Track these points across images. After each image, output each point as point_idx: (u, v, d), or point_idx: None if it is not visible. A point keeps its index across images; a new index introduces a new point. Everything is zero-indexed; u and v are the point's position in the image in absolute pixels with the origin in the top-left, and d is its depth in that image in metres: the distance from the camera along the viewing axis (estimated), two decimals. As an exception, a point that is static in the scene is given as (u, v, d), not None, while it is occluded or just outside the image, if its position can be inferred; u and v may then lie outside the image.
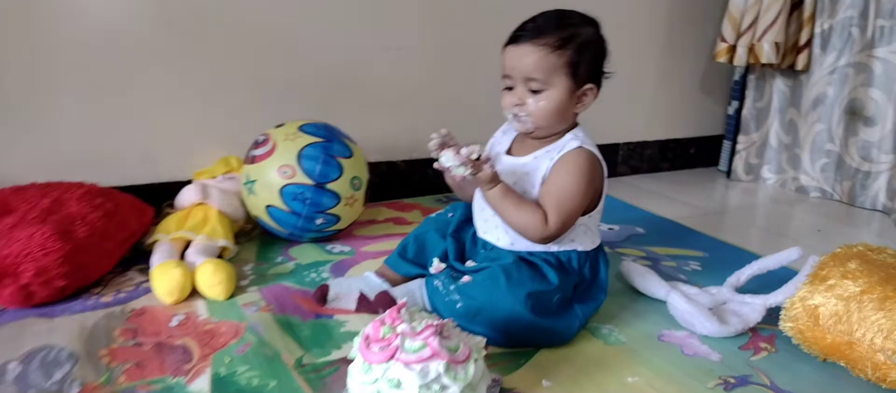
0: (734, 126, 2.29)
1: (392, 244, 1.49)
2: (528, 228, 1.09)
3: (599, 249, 1.22)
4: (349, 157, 1.47)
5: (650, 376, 1.04)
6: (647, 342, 1.15)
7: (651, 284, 1.30)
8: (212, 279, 1.20)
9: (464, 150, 1.05)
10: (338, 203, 1.44)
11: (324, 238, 1.51)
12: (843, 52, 2.00)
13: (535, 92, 1.08)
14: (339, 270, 1.37)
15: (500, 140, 1.24)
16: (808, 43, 2.03)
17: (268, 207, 1.43)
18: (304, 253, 1.45)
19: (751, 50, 2.04)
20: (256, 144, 1.47)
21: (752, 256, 1.56)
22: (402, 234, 1.59)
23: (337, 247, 1.50)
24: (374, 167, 1.85)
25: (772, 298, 1.21)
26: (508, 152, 1.19)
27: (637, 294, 1.32)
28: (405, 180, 1.92)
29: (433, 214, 1.34)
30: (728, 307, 1.23)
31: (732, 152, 2.28)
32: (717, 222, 1.88)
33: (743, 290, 1.30)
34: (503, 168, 1.17)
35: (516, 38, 1.09)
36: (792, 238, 1.77)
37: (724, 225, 1.87)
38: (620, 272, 1.35)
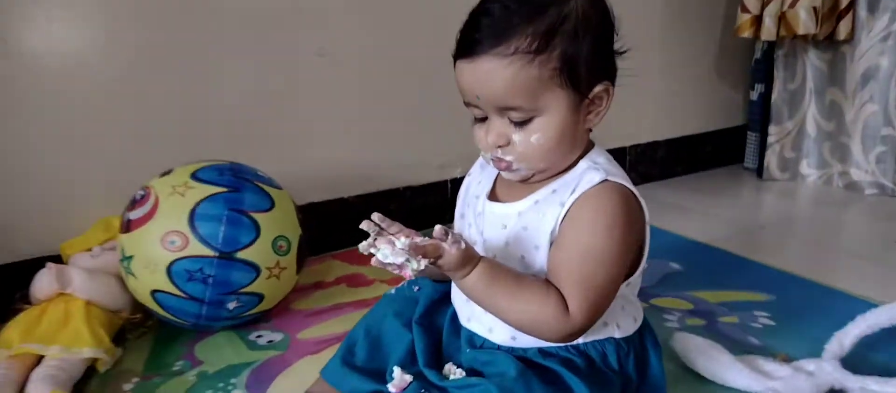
0: (761, 114, 1.89)
1: (344, 323, 1.07)
2: (538, 325, 0.68)
3: (644, 327, 0.79)
4: (268, 209, 1.03)
5: None
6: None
7: (723, 368, 0.88)
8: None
9: (401, 241, 0.66)
10: (256, 277, 1.00)
11: (246, 323, 1.07)
12: (900, 13, 1.61)
13: (520, 124, 0.68)
14: (261, 380, 0.93)
15: (479, 179, 0.82)
16: (851, 5, 1.63)
17: (154, 292, 0.99)
18: (216, 351, 1.02)
19: (781, 19, 1.64)
20: (133, 203, 1.02)
21: (831, 292, 1.17)
22: (359, 302, 1.16)
23: (264, 334, 1.07)
24: (317, 210, 1.42)
25: (913, 383, 0.80)
26: (492, 196, 0.77)
27: (699, 379, 0.90)
28: (360, 219, 1.48)
29: (392, 290, 0.91)
30: (848, 401, 0.81)
31: (762, 146, 1.88)
32: (764, 242, 1.47)
33: (852, 361, 0.88)
34: (487, 222, 0.75)
35: (468, 47, 0.67)
36: (866, 256, 1.36)
37: (774, 244, 1.46)
38: (673, 350, 0.93)
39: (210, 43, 1.27)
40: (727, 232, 1.50)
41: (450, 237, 0.66)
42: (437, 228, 0.67)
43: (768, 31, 1.65)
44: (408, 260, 0.65)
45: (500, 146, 0.69)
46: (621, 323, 0.75)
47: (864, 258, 1.36)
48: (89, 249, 1.12)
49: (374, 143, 1.49)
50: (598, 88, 0.69)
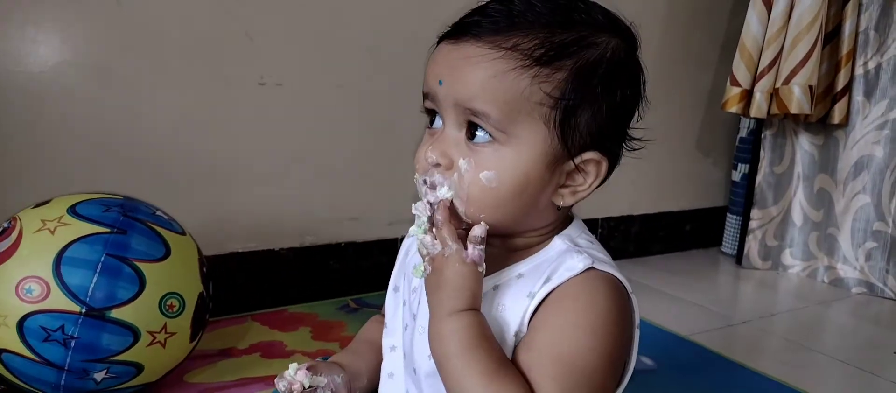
0: (744, 196, 1.76)
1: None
2: None
3: None
4: (161, 258, 0.84)
5: None
6: None
7: None
8: None
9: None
10: (133, 343, 0.80)
11: (121, 397, 0.87)
12: (898, 101, 1.50)
13: (477, 146, 0.52)
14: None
15: (415, 257, 0.65)
16: (847, 88, 1.53)
17: (1, 351, 0.78)
18: (75, 432, 0.81)
19: (774, 96, 1.52)
20: (-8, 237, 0.83)
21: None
22: (268, 377, 0.97)
23: (144, 414, 0.86)
24: (241, 260, 1.23)
25: None
26: None
27: None
28: (293, 277, 1.30)
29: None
30: None
31: (743, 230, 1.74)
32: (750, 342, 1.31)
33: None
34: (424, 304, 0.57)
35: (460, 29, 0.53)
36: (866, 369, 1.20)
37: (760, 346, 1.30)
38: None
39: (143, 67, 1.10)
40: (708, 325, 1.34)
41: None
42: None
43: (758, 108, 1.53)
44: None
45: (438, 165, 0.53)
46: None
47: (852, 366, 1.20)
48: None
49: (315, 189, 1.31)
50: (588, 155, 0.53)
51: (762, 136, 1.67)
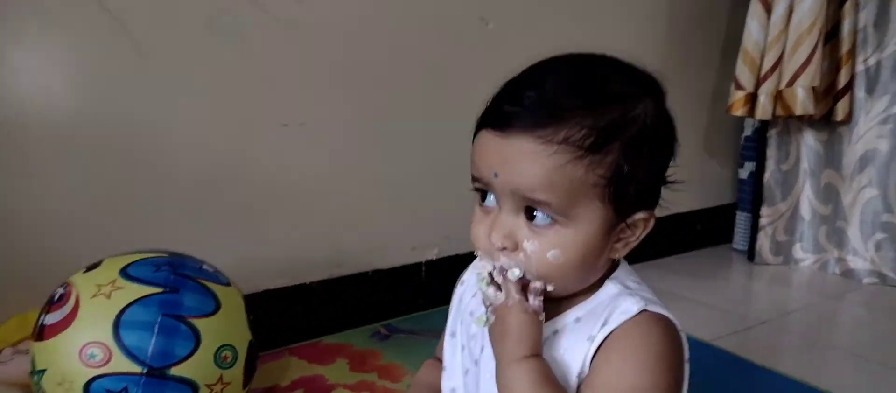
0: (752, 194, 1.79)
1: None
2: None
3: None
4: (213, 312, 0.87)
5: None
6: None
7: None
8: None
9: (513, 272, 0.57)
10: (194, 397, 0.84)
11: (180, 446, 0.90)
12: (900, 95, 1.54)
13: (539, 228, 0.55)
14: None
15: (474, 290, 0.69)
16: (849, 85, 1.56)
17: (68, 415, 0.82)
18: None
19: (778, 98, 1.56)
20: (49, 304, 0.86)
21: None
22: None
23: (203, 460, 0.89)
24: (273, 297, 1.26)
25: None
26: None
27: None
28: (323, 309, 1.33)
29: None
30: None
31: (754, 227, 1.78)
32: (768, 343, 1.35)
33: None
34: (487, 350, 0.61)
35: (504, 118, 0.55)
36: (883, 363, 1.24)
37: (785, 346, 1.34)
38: None
39: (167, 110, 1.13)
40: (728, 328, 1.38)
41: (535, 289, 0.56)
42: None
43: (763, 109, 1.57)
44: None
45: (504, 248, 0.56)
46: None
47: (870, 361, 1.24)
48: (2, 350, 0.96)
49: (339, 223, 1.34)
50: (639, 215, 0.57)
51: (767, 134, 1.71)
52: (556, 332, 0.59)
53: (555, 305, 0.60)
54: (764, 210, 1.74)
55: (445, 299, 1.46)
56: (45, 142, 1.04)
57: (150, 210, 1.14)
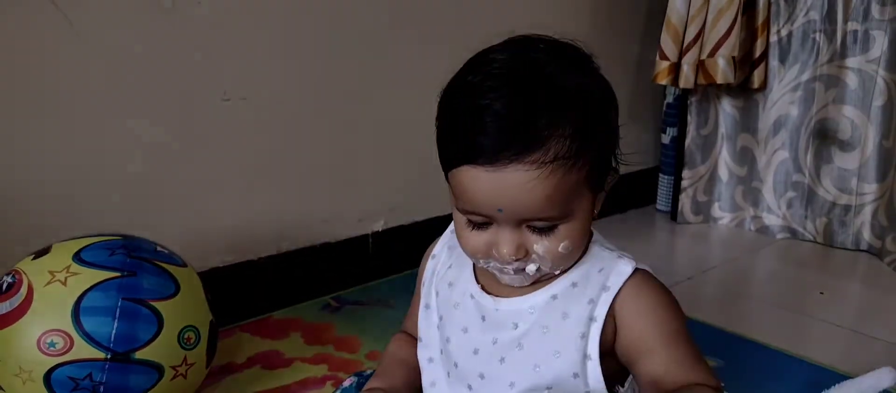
0: (674, 158, 1.90)
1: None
2: None
3: None
4: (172, 294, 0.87)
5: None
6: None
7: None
8: None
9: None
10: (158, 380, 0.83)
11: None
12: (808, 65, 1.66)
13: (544, 231, 0.59)
14: None
15: (448, 262, 0.71)
16: (764, 55, 1.67)
17: (26, 405, 0.79)
18: (106, 470, 0.83)
19: (700, 68, 1.65)
20: (-1, 294, 0.83)
21: (775, 354, 1.15)
22: (277, 389, 1.02)
23: (167, 442, 0.89)
24: (221, 275, 1.25)
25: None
26: (485, 291, 0.67)
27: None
28: (272, 284, 1.33)
29: (337, 391, 0.77)
30: None
31: (676, 189, 1.88)
32: (697, 296, 1.45)
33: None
34: (486, 322, 0.65)
35: (487, 152, 0.55)
36: (794, 309, 1.37)
37: (706, 298, 1.44)
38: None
39: (100, 90, 1.08)
40: (657, 283, 1.47)
41: None
42: None
43: (686, 79, 1.66)
44: None
45: (519, 259, 0.59)
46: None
47: (795, 311, 1.36)
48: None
49: (284, 197, 1.34)
50: (610, 179, 0.63)
51: (688, 101, 1.81)
52: (554, 296, 0.63)
53: (550, 276, 0.64)
54: (685, 173, 1.84)
55: (393, 270, 1.50)
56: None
57: (91, 190, 1.10)
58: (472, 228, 0.60)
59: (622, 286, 0.62)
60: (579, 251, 0.63)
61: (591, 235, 0.66)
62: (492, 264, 0.61)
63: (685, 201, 1.87)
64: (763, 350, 1.18)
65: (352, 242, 1.44)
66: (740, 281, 1.56)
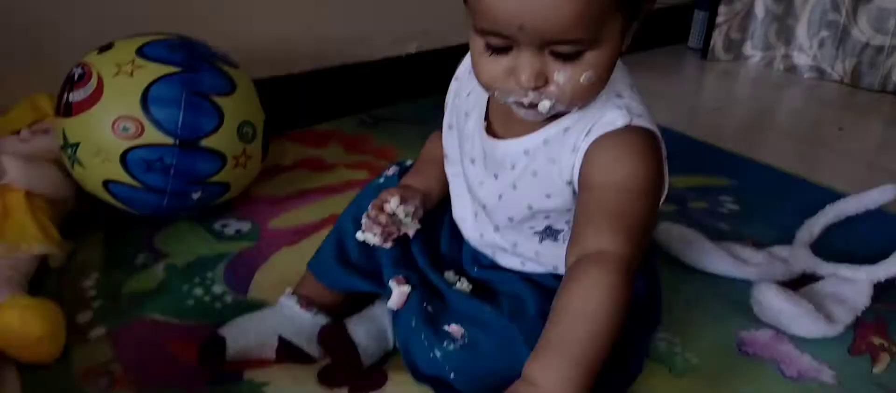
0: (710, -7, 1.87)
1: (313, 210, 1.02)
2: (617, 301, 0.55)
3: (653, 248, 0.78)
4: (230, 91, 0.93)
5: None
6: (728, 361, 0.77)
7: (706, 256, 0.90)
8: (22, 334, 0.70)
9: None
10: (222, 167, 0.92)
11: (208, 212, 1.00)
12: None
13: (568, 58, 0.53)
14: (239, 275, 0.88)
15: (468, 89, 0.70)
16: None
17: (106, 182, 0.89)
18: (180, 242, 0.94)
19: None
20: (71, 82, 0.90)
21: (787, 178, 1.21)
22: (324, 188, 1.11)
23: (230, 224, 1.00)
24: (263, 87, 1.30)
25: (880, 271, 0.85)
26: (489, 131, 0.66)
27: (680, 267, 0.92)
28: (311, 98, 1.39)
29: (380, 178, 0.81)
30: (820, 289, 0.86)
31: (709, 26, 1.87)
32: (720, 125, 1.50)
33: (822, 247, 0.93)
34: (487, 160, 0.66)
35: None
36: (814, 142, 1.42)
37: (729, 128, 1.49)
38: (656, 240, 0.94)
39: None
40: (683, 116, 1.52)
41: None
42: None
43: None
44: None
45: (535, 88, 0.54)
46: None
47: (814, 144, 1.40)
48: (16, 132, 0.99)
49: (322, 15, 1.36)
50: (645, 5, 0.56)
51: (731, -68, 1.75)
52: (545, 141, 0.61)
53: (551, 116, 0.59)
54: (721, 8, 1.83)
55: (426, 92, 1.55)
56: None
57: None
58: (490, 54, 0.55)
59: (602, 135, 0.58)
60: (601, 87, 0.57)
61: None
62: (508, 98, 0.57)
63: (718, 38, 1.87)
64: (776, 174, 1.24)
65: (386, 63, 1.48)
66: (763, 115, 1.60)
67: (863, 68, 1.70)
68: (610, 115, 0.58)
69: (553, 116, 0.59)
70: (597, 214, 0.57)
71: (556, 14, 0.50)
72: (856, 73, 1.71)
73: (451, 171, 0.73)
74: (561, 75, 0.54)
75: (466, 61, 0.71)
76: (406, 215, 0.70)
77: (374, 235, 0.68)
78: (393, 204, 0.69)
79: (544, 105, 0.56)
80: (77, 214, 0.98)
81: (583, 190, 0.59)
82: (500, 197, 0.65)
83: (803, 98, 1.70)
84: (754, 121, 1.54)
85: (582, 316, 0.54)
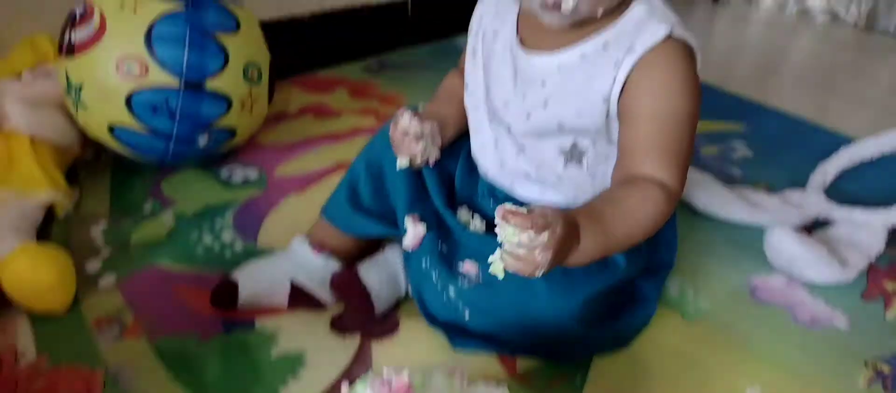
0: (724, -66, 1.82)
1: (320, 157, 1.01)
2: (657, 222, 0.59)
3: None
4: (235, 30, 0.91)
5: (771, 378, 0.67)
6: (740, 307, 0.77)
7: (722, 202, 0.89)
8: (34, 283, 0.69)
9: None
10: (228, 109, 0.90)
11: (214, 159, 0.99)
12: None
13: None
14: (249, 222, 0.87)
15: (494, 10, 0.69)
16: None
17: (111, 127, 0.87)
18: (187, 189, 0.93)
19: None
20: (73, 21, 0.87)
21: (800, 123, 1.19)
22: (329, 135, 1.09)
23: (237, 171, 0.99)
24: (266, 30, 1.28)
25: (895, 215, 0.84)
26: (522, 44, 0.65)
27: (692, 212, 0.91)
28: (316, 43, 1.36)
29: (386, 124, 0.80)
30: (834, 234, 0.85)
31: (721, -32, 1.83)
32: (730, 70, 1.47)
33: (835, 192, 0.92)
34: (518, 77, 0.65)
35: None
36: (832, 89, 1.39)
37: (740, 73, 1.47)
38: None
39: None
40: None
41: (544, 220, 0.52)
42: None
43: None
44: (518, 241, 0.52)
45: None
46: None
47: (832, 92, 1.38)
48: (18, 75, 0.97)
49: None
50: None
51: None
52: (583, 55, 0.60)
53: (580, 29, 0.60)
54: (734, -49, 1.78)
55: (430, 37, 1.51)
56: None
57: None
58: None
59: (647, 52, 0.58)
60: None
61: None
62: (533, 1, 0.57)
63: (729, -19, 1.82)
64: (787, 119, 1.22)
65: (391, 7, 1.45)
66: (775, 59, 1.57)
67: (879, 10, 1.66)
68: (651, 27, 0.58)
69: (587, 29, 0.59)
70: (653, 147, 0.59)
71: None
72: (871, 16, 1.68)
73: (471, 102, 0.72)
74: None
75: None
76: (422, 133, 0.68)
77: (402, 158, 0.67)
78: (405, 119, 0.67)
79: (568, 3, 0.55)
80: (82, 160, 0.96)
81: (632, 117, 0.59)
82: (528, 116, 0.64)
83: (817, 41, 1.67)
84: (767, 65, 1.51)
85: (632, 217, 0.58)
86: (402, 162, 0.68)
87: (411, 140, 0.68)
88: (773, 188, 0.97)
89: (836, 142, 1.10)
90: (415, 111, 0.73)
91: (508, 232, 0.51)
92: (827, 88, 1.38)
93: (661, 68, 0.58)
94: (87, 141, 0.94)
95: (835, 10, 1.73)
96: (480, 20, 0.71)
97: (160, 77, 0.84)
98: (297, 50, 1.34)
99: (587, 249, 0.55)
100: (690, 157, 0.61)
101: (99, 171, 0.96)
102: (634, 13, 0.59)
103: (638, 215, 0.58)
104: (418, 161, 0.69)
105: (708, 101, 1.24)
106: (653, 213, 0.58)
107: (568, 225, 0.53)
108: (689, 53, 0.60)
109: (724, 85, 1.34)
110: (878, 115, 1.28)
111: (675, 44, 0.59)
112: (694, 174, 0.93)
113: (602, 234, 0.56)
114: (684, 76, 0.59)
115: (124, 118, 0.86)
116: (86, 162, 0.97)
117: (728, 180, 0.97)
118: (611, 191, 0.60)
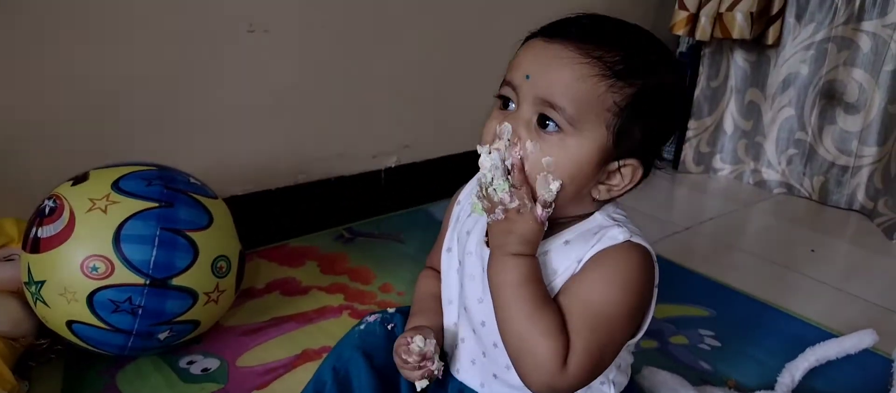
0: (682, 107, 1.93)
1: (286, 346, 0.99)
2: (531, 360, 0.60)
3: (631, 385, 0.77)
4: (206, 226, 0.91)
5: None
6: None
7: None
8: None
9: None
10: (192, 304, 0.89)
11: (174, 347, 0.96)
12: (823, 24, 1.67)
13: (547, 132, 0.61)
14: (204, 425, 0.83)
15: (466, 223, 0.73)
16: (781, 11, 1.68)
17: (70, 322, 0.85)
18: (143, 383, 0.90)
19: (717, 21, 1.66)
20: (40, 216, 0.87)
21: (763, 307, 1.22)
22: (299, 317, 1.07)
23: (197, 361, 0.96)
24: (240, 203, 1.28)
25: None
26: (487, 243, 0.67)
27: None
28: (287, 213, 1.37)
29: (361, 324, 0.79)
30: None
31: (680, 139, 1.92)
32: (692, 246, 1.51)
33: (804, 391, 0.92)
34: (484, 273, 0.66)
35: (555, 30, 0.62)
36: (785, 265, 1.43)
37: (701, 249, 1.50)
38: (640, 385, 0.92)
39: (121, 11, 1.09)
40: (656, 233, 1.53)
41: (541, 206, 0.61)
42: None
43: (703, 30, 1.67)
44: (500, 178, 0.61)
45: (509, 140, 0.61)
46: (616, 380, 0.72)
47: (784, 266, 1.42)
48: (-22, 258, 0.95)
49: (302, 131, 1.37)
50: (631, 161, 0.62)
51: (702, 53, 1.82)
52: (546, 252, 0.64)
53: (548, 228, 0.63)
54: (691, 123, 1.88)
55: (403, 204, 1.54)
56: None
57: (119, 115, 1.12)
58: (498, 108, 0.64)
59: (604, 249, 0.62)
60: (555, 187, 0.61)
61: (598, 206, 0.66)
62: (485, 153, 0.62)
63: (688, 151, 1.91)
64: (751, 302, 1.24)
65: (366, 177, 1.48)
66: (734, 234, 1.62)
67: (830, 186, 1.74)
68: (612, 232, 0.63)
69: (554, 231, 0.65)
70: (580, 321, 0.61)
71: (556, 74, 0.60)
72: (823, 191, 1.76)
73: (446, 296, 0.74)
74: (531, 144, 0.61)
75: (469, 184, 0.76)
76: (434, 347, 0.69)
77: (421, 381, 0.68)
78: (417, 342, 0.68)
79: (494, 158, 0.61)
80: (37, 348, 0.93)
81: (569, 292, 0.63)
82: (476, 317, 0.66)
83: (774, 214, 1.74)
84: (726, 240, 1.55)
85: (527, 325, 0.60)
86: (422, 384, 0.69)
87: (424, 360, 0.69)
88: (742, 386, 0.96)
89: (801, 331, 1.12)
90: (407, 327, 0.73)
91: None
92: (786, 266, 1.42)
93: (613, 261, 0.62)
94: (44, 330, 0.91)
95: (790, 182, 1.82)
96: (457, 219, 0.75)
97: (126, 276, 0.83)
98: (269, 220, 1.35)
99: (515, 266, 0.61)
100: (608, 353, 0.62)
101: (52, 361, 0.92)
102: (596, 219, 0.66)
103: (532, 329, 0.60)
104: (435, 377, 0.69)
105: (672, 280, 1.28)
106: (537, 352, 0.60)
107: (530, 223, 0.61)
108: (642, 255, 0.64)
109: (687, 262, 1.37)
110: (836, 298, 1.31)
111: (634, 246, 0.63)
112: (665, 376, 0.92)
113: (521, 284, 0.61)
114: (632, 275, 0.62)
115: (84, 316, 0.84)
116: (40, 352, 0.93)
117: (698, 377, 0.97)
118: (551, 300, 0.63)
